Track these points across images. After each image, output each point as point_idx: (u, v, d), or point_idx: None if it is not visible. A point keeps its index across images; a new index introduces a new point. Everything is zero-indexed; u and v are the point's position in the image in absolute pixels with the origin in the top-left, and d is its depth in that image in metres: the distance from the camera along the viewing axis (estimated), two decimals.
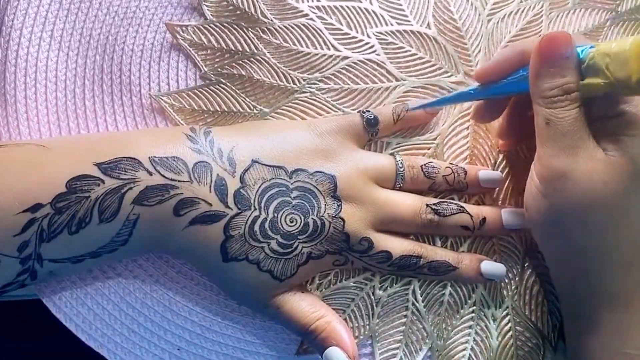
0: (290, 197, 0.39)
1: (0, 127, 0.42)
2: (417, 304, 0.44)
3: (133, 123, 0.43)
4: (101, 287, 0.42)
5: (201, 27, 0.43)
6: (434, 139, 0.45)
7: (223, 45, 0.44)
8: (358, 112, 0.43)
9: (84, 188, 0.34)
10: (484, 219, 0.43)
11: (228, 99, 0.43)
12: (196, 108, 0.43)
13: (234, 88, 0.43)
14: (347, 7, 0.44)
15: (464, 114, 0.45)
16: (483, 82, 0.41)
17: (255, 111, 0.43)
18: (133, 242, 0.37)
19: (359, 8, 0.45)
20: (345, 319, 0.43)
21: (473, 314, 0.44)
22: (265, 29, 0.44)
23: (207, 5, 0.44)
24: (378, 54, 0.44)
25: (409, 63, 0.45)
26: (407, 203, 0.42)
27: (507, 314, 0.45)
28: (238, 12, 0.44)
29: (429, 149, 0.44)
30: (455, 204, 0.42)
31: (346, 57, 0.44)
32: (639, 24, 0.48)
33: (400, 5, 0.45)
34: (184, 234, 0.37)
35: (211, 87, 0.43)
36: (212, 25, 0.43)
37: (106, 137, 0.39)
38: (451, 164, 0.44)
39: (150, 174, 0.36)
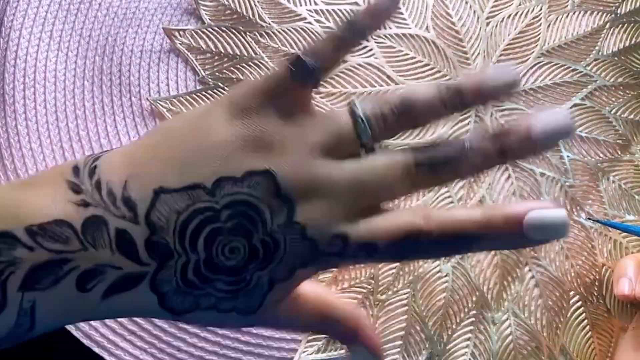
0: (221, 220, 0.28)
1: None
2: (416, 309, 0.43)
3: (132, 124, 0.43)
4: None
5: (199, 31, 0.44)
6: None
7: (221, 49, 0.44)
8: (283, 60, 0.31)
9: None
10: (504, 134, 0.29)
11: None
12: None
13: None
14: (346, 10, 0.45)
15: (464, 117, 0.45)
16: None
17: None
18: (41, 327, 0.29)
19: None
20: None
21: (473, 318, 0.44)
22: (263, 32, 0.44)
23: (204, 9, 0.44)
24: (377, 58, 0.44)
25: (407, 66, 0.45)
26: (383, 165, 0.29)
27: (507, 318, 0.44)
28: (235, 15, 0.44)
29: None
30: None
31: (345, 61, 0.44)
32: (638, 26, 0.48)
33: (399, 8, 0.45)
34: (104, 307, 0.28)
35: (209, 92, 0.44)
36: (209, 29, 0.44)
37: None
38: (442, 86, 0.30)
39: (32, 249, 0.27)
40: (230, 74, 0.44)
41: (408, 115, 0.29)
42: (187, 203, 0.28)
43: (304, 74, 0.29)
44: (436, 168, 0.29)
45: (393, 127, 0.30)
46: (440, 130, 0.44)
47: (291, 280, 0.29)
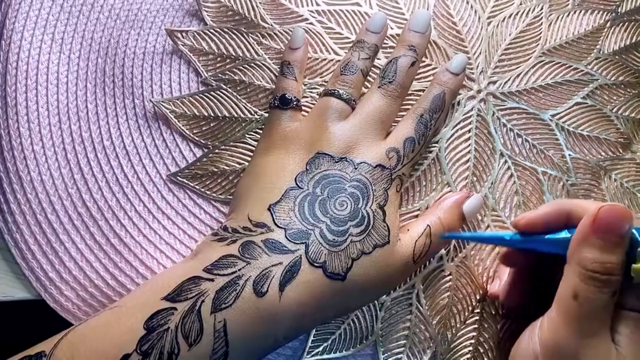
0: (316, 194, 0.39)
1: (0, 129, 0.42)
2: (420, 308, 0.43)
3: (135, 126, 0.43)
4: (106, 289, 0.42)
5: (201, 32, 0.44)
6: (436, 142, 0.44)
7: (223, 50, 0.44)
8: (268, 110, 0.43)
9: (160, 322, 0.34)
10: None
11: (229, 104, 0.44)
12: (197, 114, 0.43)
13: (234, 94, 0.44)
14: (347, 10, 0.45)
15: (466, 116, 0.45)
16: (521, 232, 0.38)
17: (256, 116, 0.43)
18: (234, 349, 0.35)
19: (359, 12, 0.45)
20: (349, 323, 0.43)
21: (477, 317, 0.44)
22: (265, 34, 0.44)
23: (206, 11, 0.44)
24: (379, 58, 0.44)
25: None
26: (368, 103, 0.42)
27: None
28: (237, 17, 0.44)
29: (431, 152, 0.44)
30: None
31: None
32: (639, 25, 0.48)
33: (400, 8, 0.45)
34: (285, 306, 0.36)
35: (212, 93, 0.44)
36: (212, 30, 0.44)
37: (163, 276, 0.39)
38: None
39: (212, 280, 0.35)
40: (232, 75, 0.44)
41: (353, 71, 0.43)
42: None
43: (285, 103, 0.42)
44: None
45: (357, 87, 0.43)
46: (443, 130, 0.44)
47: (390, 202, 0.40)
